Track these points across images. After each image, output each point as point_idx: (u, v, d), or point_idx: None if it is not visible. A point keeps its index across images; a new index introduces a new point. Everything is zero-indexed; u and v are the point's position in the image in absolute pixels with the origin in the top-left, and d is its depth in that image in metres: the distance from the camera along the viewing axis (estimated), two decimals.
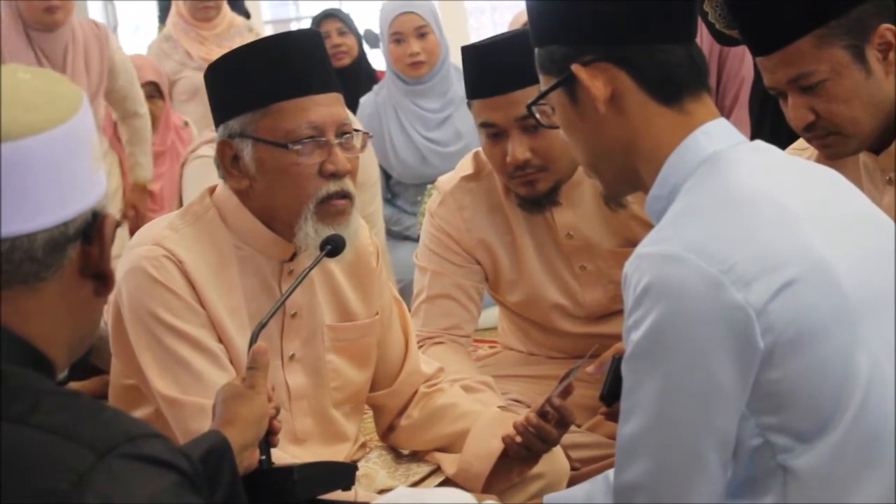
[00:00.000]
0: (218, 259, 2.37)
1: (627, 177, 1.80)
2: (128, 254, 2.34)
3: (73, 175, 1.36)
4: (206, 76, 2.44)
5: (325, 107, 2.35)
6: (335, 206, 2.34)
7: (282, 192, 2.34)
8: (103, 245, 1.40)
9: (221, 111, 2.39)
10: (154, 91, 5.44)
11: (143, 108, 5.15)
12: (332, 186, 2.33)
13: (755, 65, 2.42)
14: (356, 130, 2.41)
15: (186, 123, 5.58)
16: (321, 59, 2.40)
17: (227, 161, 2.37)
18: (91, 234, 1.39)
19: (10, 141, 1.32)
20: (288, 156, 2.32)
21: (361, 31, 6.16)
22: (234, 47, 2.50)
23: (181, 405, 2.27)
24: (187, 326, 2.30)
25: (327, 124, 2.34)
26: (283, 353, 2.43)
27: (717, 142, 1.74)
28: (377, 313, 2.56)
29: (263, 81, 2.33)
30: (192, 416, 2.25)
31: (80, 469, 1.23)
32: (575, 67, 1.75)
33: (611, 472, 1.80)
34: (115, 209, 4.96)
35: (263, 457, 2.00)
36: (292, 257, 2.42)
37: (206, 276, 2.34)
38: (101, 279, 1.42)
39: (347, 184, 2.36)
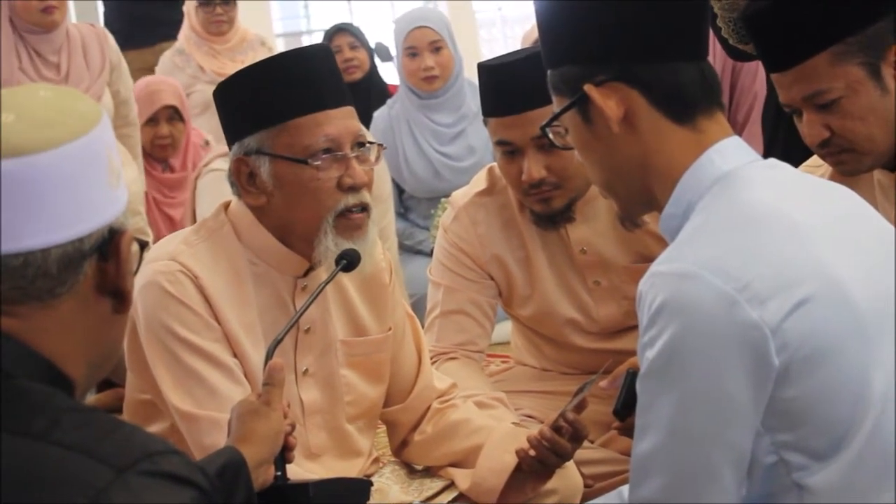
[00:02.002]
0: (233, 274, 2.38)
1: (642, 196, 1.80)
2: (143, 269, 2.34)
3: (88, 191, 1.37)
4: (216, 95, 2.45)
5: (341, 120, 2.36)
6: (353, 220, 2.35)
7: (300, 208, 2.35)
8: (120, 262, 1.40)
9: (235, 129, 2.40)
10: (174, 114, 5.14)
11: (137, 116, 5.07)
12: (351, 199, 2.35)
13: (768, 80, 2.42)
14: (370, 143, 2.42)
15: (207, 143, 5.32)
16: (334, 73, 2.41)
17: (244, 178, 2.38)
18: (107, 250, 1.39)
19: (23, 156, 1.33)
20: (307, 171, 2.33)
21: (372, 45, 6.17)
22: (246, 61, 2.51)
23: (196, 419, 2.28)
24: (202, 341, 2.31)
25: (343, 137, 2.35)
26: (296, 367, 2.44)
27: (731, 160, 1.74)
28: (390, 329, 2.56)
29: (278, 99, 2.34)
30: (207, 431, 2.26)
31: (98, 486, 1.23)
32: (587, 88, 1.75)
33: (625, 489, 1.80)
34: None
35: (279, 473, 2.00)
36: (306, 273, 2.43)
37: (221, 291, 2.34)
38: (119, 296, 1.42)
39: (365, 195, 2.37)
